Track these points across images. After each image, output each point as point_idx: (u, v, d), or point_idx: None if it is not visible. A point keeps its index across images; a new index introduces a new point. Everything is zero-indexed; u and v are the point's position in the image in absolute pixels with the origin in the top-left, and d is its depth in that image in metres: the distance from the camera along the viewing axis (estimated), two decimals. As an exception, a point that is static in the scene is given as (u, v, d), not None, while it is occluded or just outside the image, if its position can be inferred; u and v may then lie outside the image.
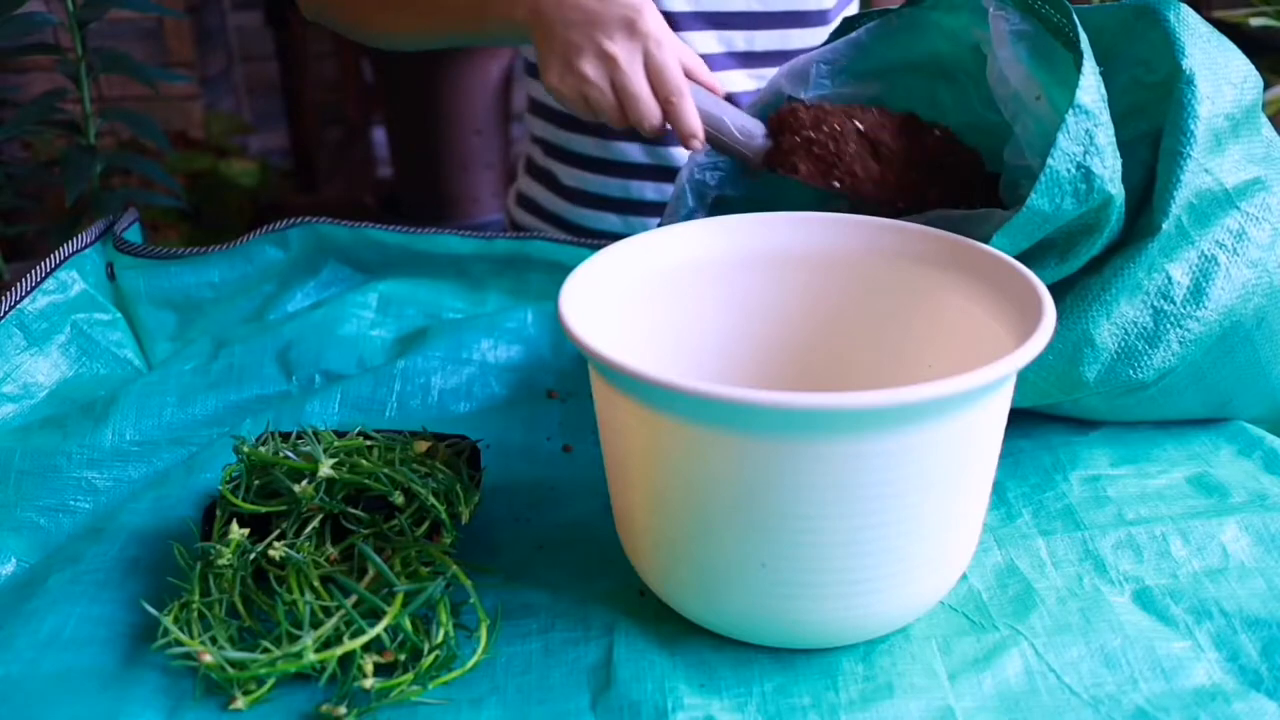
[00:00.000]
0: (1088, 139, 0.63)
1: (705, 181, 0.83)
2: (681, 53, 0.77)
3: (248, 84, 2.99)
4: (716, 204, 0.82)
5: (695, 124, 0.75)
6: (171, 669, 0.58)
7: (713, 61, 1.04)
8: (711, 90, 0.78)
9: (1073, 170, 0.63)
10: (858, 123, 0.75)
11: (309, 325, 0.92)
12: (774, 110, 0.79)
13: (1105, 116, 0.64)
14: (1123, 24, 0.73)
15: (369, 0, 0.92)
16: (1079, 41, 0.65)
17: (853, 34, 0.81)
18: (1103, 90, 0.64)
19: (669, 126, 0.77)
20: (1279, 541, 0.66)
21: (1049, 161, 0.62)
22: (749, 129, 0.77)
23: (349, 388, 0.84)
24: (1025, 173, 0.69)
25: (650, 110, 0.75)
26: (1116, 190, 0.65)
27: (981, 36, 0.72)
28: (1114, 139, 0.64)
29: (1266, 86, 1.75)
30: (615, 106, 0.76)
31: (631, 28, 0.74)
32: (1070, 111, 0.62)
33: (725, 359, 0.72)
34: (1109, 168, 0.64)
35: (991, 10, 0.71)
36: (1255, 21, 1.73)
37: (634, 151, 1.09)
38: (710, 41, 1.04)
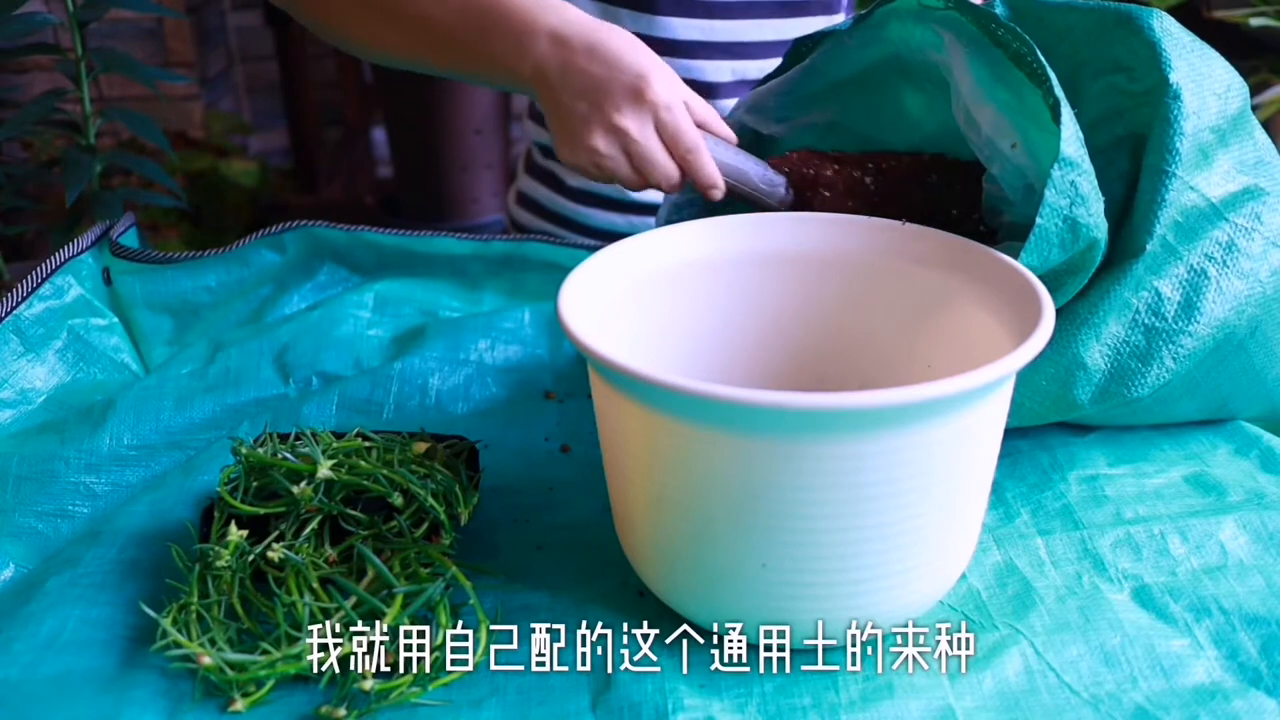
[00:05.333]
0: (1073, 190, 0.62)
1: (682, 220, 0.82)
2: (694, 106, 0.74)
3: (248, 84, 2.99)
4: None
5: (714, 176, 0.73)
6: (170, 671, 0.58)
7: (725, 89, 1.04)
8: (726, 140, 0.76)
9: (1060, 224, 0.62)
10: (868, 174, 0.75)
11: (305, 327, 0.91)
12: (780, 154, 0.78)
13: (1087, 162, 0.63)
14: (1097, 26, 0.71)
15: (345, 4, 0.81)
16: (1048, 79, 0.64)
17: (806, 61, 0.80)
18: (1080, 134, 0.64)
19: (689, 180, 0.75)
20: (1277, 539, 0.66)
21: (1038, 219, 0.62)
22: (770, 178, 0.76)
23: (346, 389, 0.84)
24: (1005, 200, 0.68)
25: (668, 172, 0.73)
26: (1101, 234, 0.64)
27: (941, 61, 0.71)
28: (1095, 181, 0.64)
29: (1266, 86, 1.75)
30: (631, 174, 0.74)
31: (639, 97, 0.71)
32: (1055, 166, 0.61)
33: (725, 359, 0.72)
34: (1094, 214, 0.63)
35: (948, 39, 0.69)
36: (1255, 21, 1.73)
37: None
38: (724, 72, 1.04)
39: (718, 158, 0.74)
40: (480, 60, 0.77)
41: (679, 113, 0.72)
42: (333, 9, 0.82)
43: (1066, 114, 0.63)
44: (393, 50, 0.81)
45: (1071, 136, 0.62)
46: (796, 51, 0.82)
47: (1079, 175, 0.62)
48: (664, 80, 0.72)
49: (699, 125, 0.74)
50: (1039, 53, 0.64)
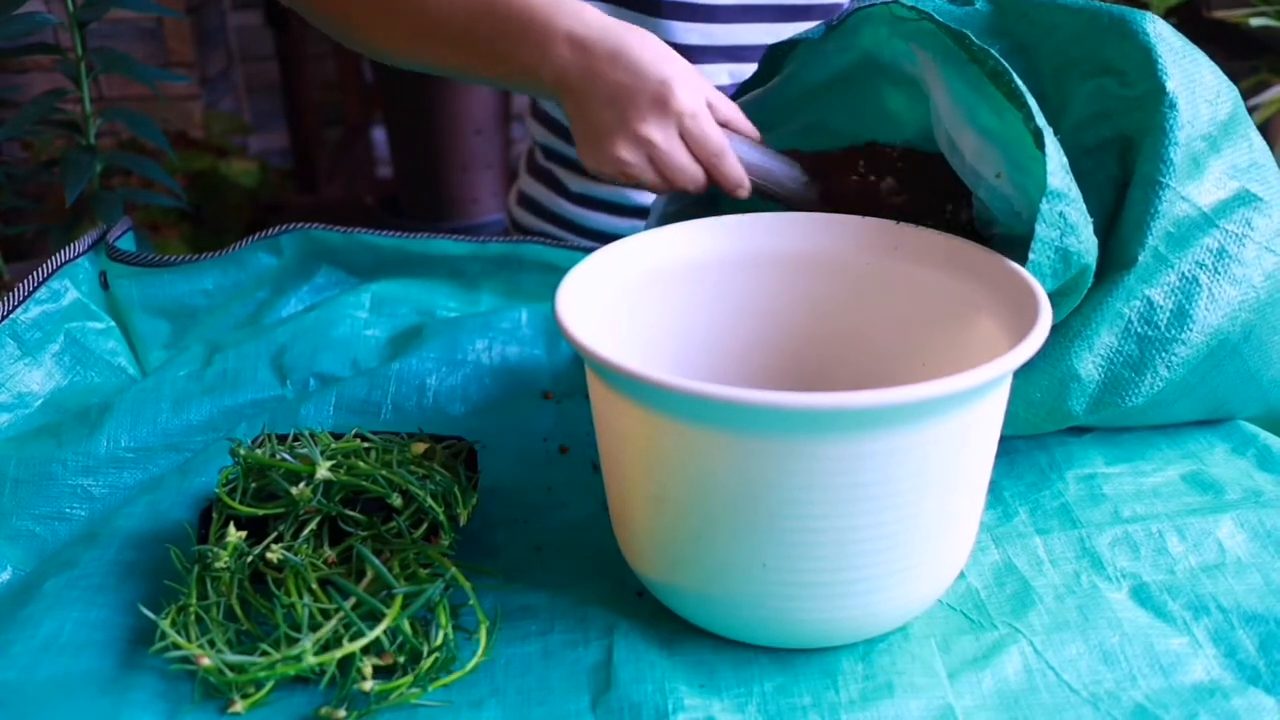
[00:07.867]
0: (1062, 221, 0.61)
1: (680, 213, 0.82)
2: (717, 105, 0.74)
3: (248, 84, 2.99)
4: None
5: (740, 177, 0.74)
6: (169, 673, 0.58)
7: (724, 92, 1.04)
8: (750, 137, 0.76)
9: (1052, 255, 0.62)
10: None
11: (302, 328, 0.91)
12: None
13: (1074, 190, 0.62)
14: (1087, 27, 0.70)
15: (358, 4, 0.80)
16: (1027, 104, 0.63)
17: (784, 72, 0.79)
18: (1065, 161, 0.63)
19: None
20: (1274, 537, 0.66)
21: (1030, 255, 0.61)
22: (796, 175, 0.77)
23: (344, 390, 0.84)
24: (994, 217, 0.68)
25: (694, 176, 0.73)
26: (1092, 258, 0.64)
27: (917, 75, 0.70)
28: (1084, 207, 0.63)
29: (1266, 86, 1.75)
30: (657, 180, 0.74)
31: (663, 105, 0.71)
32: (1043, 200, 0.61)
33: (723, 359, 0.72)
34: (1084, 240, 0.63)
35: (922, 58, 0.68)
36: (1255, 21, 1.73)
37: None
38: (722, 75, 1.04)
39: (743, 157, 0.74)
40: (496, 63, 0.76)
41: (704, 119, 0.72)
42: (349, 10, 0.81)
43: (1050, 143, 0.62)
44: (407, 53, 0.80)
45: (1057, 167, 0.62)
46: (772, 58, 0.81)
47: (1067, 205, 0.61)
48: (688, 85, 0.72)
49: (722, 124, 0.74)
50: (1015, 76, 0.64)
